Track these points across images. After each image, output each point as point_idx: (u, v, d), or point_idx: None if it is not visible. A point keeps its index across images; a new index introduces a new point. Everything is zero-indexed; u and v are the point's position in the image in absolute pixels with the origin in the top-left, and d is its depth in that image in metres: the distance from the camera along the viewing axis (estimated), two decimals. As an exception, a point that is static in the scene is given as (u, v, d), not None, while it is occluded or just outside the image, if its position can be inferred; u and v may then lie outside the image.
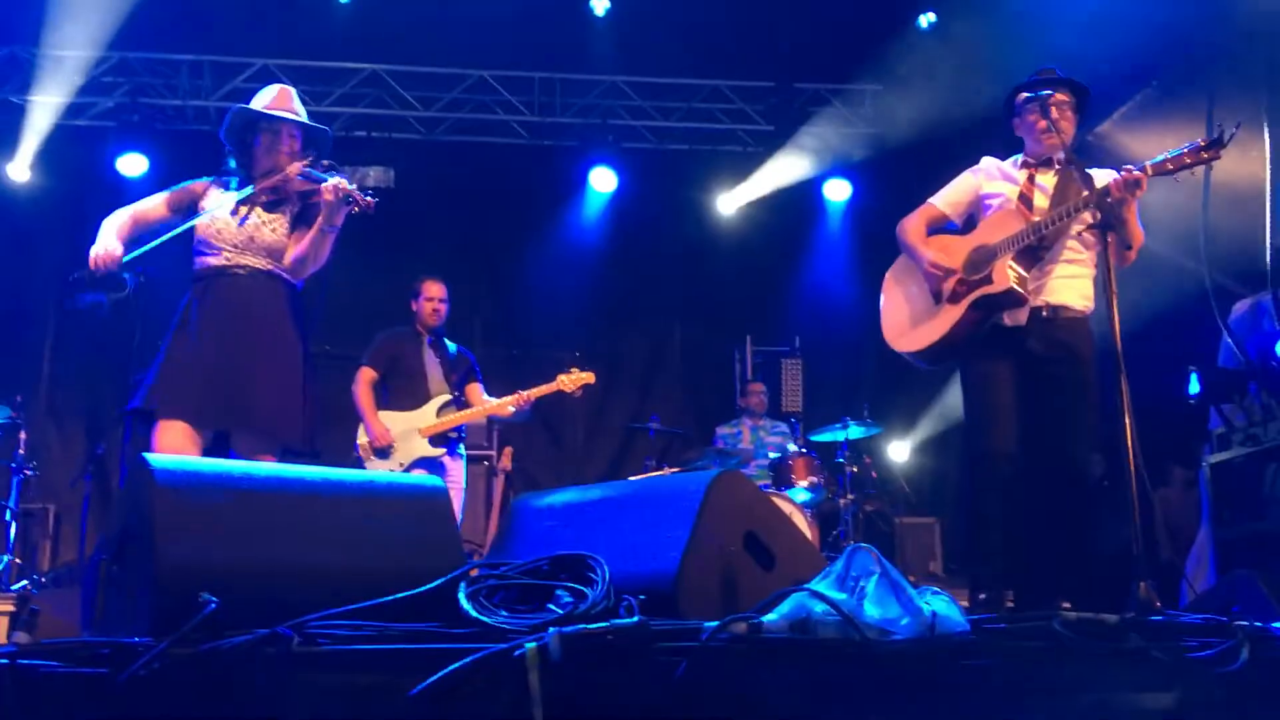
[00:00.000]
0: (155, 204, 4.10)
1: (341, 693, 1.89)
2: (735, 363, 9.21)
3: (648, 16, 8.06)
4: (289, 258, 3.99)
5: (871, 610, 1.99)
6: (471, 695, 1.89)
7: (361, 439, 5.90)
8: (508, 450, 7.32)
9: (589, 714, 1.94)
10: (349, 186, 3.87)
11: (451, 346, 6.19)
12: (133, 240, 3.99)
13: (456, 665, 1.86)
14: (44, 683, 1.82)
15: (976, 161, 4.27)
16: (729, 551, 2.42)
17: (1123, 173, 3.64)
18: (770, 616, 2.01)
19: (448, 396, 5.98)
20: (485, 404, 6.00)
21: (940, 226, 4.24)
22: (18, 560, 6.53)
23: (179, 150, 8.12)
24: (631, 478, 7.17)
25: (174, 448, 3.68)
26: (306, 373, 3.95)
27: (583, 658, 1.89)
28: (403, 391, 5.95)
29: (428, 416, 5.89)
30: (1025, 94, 4.06)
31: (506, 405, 5.96)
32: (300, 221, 4.06)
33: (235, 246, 3.96)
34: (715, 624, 1.96)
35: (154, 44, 8.21)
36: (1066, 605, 3.26)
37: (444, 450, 5.87)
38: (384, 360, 6.03)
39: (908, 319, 4.19)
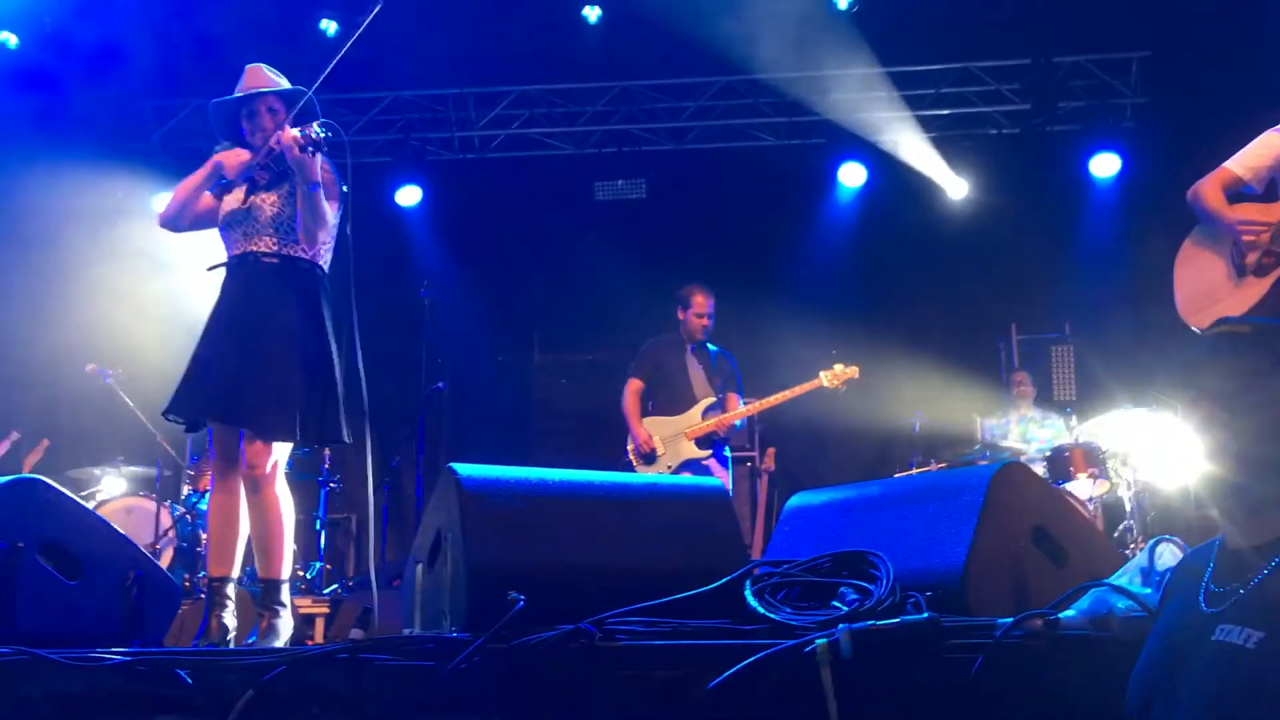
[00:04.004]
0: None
1: (641, 686, 1.99)
2: (1000, 352, 8.85)
3: (891, 2, 7.88)
4: (300, 231, 3.82)
5: (1179, 606, 1.90)
6: (764, 690, 1.94)
7: (632, 445, 6.10)
8: (770, 451, 7.37)
9: (881, 710, 1.94)
10: (293, 133, 3.65)
11: (713, 349, 6.30)
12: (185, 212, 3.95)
13: (750, 660, 1.91)
14: (379, 673, 2.03)
15: (1277, 122, 3.92)
16: (1017, 546, 2.36)
17: None
18: (1068, 613, 1.95)
19: (712, 399, 6.10)
20: (735, 412, 6.15)
21: (1236, 192, 3.93)
22: (328, 566, 7.15)
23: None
24: (898, 474, 7.06)
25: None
26: (312, 362, 3.74)
27: (873, 654, 1.89)
28: (668, 397, 6.13)
29: (693, 419, 6.03)
30: None
31: (742, 415, 6.18)
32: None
33: (244, 234, 3.83)
34: (1009, 620, 1.92)
35: (424, 81, 8.77)
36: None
37: (710, 452, 5.99)
38: (648, 369, 6.23)
39: (1206, 293, 3.91)
